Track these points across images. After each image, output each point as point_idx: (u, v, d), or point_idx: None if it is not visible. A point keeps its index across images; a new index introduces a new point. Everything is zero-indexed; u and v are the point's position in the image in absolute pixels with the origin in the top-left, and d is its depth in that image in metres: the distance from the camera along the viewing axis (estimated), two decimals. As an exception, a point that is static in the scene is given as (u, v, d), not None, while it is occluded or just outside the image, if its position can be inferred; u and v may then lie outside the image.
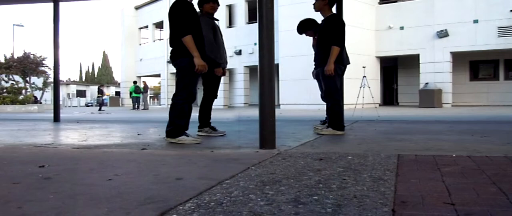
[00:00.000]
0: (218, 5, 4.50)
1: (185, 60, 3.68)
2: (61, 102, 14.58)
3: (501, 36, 15.67)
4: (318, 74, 4.63)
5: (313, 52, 4.85)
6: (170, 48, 3.83)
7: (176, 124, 3.73)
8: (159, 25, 29.03)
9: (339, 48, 4.36)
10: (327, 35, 4.43)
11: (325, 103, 4.71)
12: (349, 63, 4.70)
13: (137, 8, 31.46)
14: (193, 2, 3.82)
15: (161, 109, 22.63)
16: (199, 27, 3.80)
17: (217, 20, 4.57)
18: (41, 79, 24.47)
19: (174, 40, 3.73)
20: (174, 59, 3.78)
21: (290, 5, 17.09)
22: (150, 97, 40.53)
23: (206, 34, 4.19)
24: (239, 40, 21.62)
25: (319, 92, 4.84)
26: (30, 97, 21.72)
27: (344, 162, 2.49)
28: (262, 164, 2.46)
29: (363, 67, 11.68)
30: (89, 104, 41.21)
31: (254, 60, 18.64)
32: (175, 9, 3.72)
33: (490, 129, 5.08)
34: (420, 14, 17.12)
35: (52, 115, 8.44)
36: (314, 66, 4.79)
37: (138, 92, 22.07)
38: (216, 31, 4.41)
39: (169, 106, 3.95)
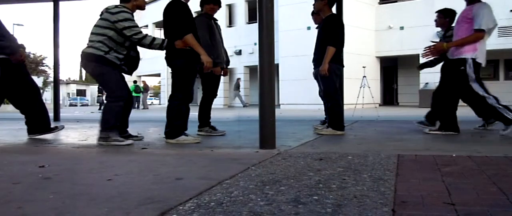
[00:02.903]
0: (219, 6, 4.48)
1: (181, 61, 3.66)
2: (61, 102, 14.57)
3: (501, 36, 15.64)
4: (317, 74, 4.64)
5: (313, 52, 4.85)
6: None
7: (174, 125, 3.72)
8: (159, 25, 28.97)
9: (335, 49, 4.36)
10: (325, 35, 4.43)
11: (323, 101, 4.72)
12: None
13: (137, 7, 31.41)
14: (189, 2, 3.79)
15: (161, 108, 22.59)
16: (195, 27, 3.79)
17: (216, 20, 4.56)
18: (41, 79, 24.49)
19: (170, 41, 3.71)
20: (170, 60, 3.76)
21: (290, 5, 17.08)
22: (150, 96, 40.30)
23: (202, 35, 4.19)
24: (239, 40, 21.61)
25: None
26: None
27: (344, 162, 2.49)
28: (262, 164, 2.46)
29: (363, 67, 11.68)
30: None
31: (254, 60, 18.58)
32: (171, 9, 3.70)
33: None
34: (420, 14, 17.07)
35: (52, 114, 8.42)
36: (313, 66, 4.79)
37: (138, 92, 22.08)
38: (213, 30, 4.38)
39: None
